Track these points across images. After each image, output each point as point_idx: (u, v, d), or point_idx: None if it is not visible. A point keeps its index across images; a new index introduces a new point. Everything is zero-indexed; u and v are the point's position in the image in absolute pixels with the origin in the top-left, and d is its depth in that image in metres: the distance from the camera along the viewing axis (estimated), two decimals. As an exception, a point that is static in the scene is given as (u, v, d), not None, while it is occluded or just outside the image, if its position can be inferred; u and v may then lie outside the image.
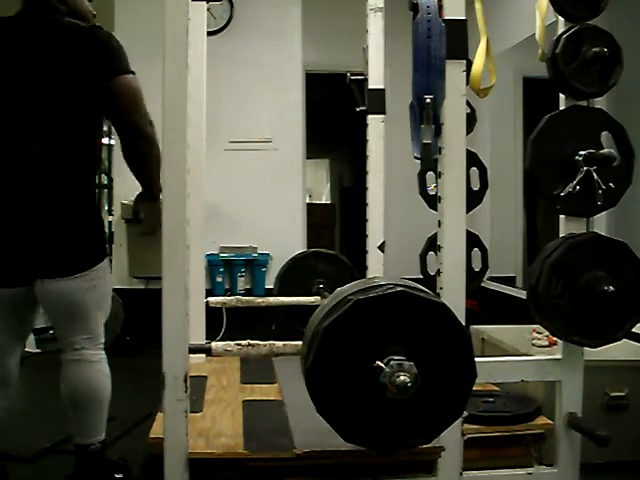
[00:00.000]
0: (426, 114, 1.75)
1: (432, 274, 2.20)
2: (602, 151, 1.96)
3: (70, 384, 2.12)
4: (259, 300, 3.30)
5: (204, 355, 2.52)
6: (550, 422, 2.25)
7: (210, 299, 3.16)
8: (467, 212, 1.89)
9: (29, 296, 2.11)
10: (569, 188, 1.97)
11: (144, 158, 2.11)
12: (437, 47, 1.74)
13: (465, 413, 1.73)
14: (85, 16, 2.19)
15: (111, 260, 5.08)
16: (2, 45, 2.08)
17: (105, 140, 5.22)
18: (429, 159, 1.80)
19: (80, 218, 2.11)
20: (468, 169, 2.38)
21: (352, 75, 3.05)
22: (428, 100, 1.74)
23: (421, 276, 2.73)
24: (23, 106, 2.06)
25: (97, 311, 2.14)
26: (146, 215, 2.21)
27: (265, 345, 1.96)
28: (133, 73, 2.13)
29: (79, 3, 2.19)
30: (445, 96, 1.80)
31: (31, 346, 4.35)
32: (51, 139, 2.06)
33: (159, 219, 1.77)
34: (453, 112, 1.83)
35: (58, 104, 2.07)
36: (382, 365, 1.43)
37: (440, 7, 1.79)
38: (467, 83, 2.01)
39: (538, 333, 3.04)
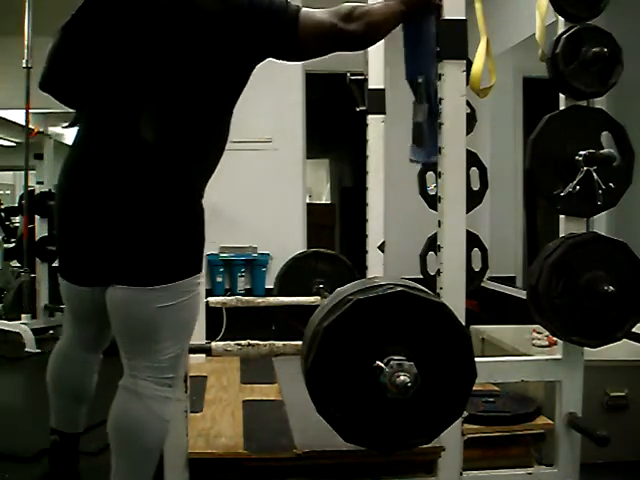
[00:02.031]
0: (419, 93, 1.73)
1: (432, 274, 2.20)
2: (602, 151, 1.96)
3: (111, 416, 1.67)
4: (259, 300, 3.30)
5: (204, 355, 2.52)
6: (550, 422, 2.26)
7: (210, 299, 3.16)
8: (467, 212, 1.90)
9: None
10: (569, 188, 1.97)
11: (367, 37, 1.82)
12: (428, 28, 1.74)
13: (465, 413, 1.73)
14: None
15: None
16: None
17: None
18: (420, 139, 1.78)
19: (172, 220, 1.68)
20: (468, 169, 2.38)
21: (352, 75, 3.05)
22: (420, 80, 1.73)
23: (421, 276, 2.73)
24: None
25: (170, 338, 1.67)
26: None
27: (265, 345, 1.96)
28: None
29: None
30: (438, 75, 1.79)
31: (31, 346, 4.35)
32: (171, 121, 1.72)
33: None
34: (453, 112, 1.83)
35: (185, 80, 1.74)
36: (382, 365, 1.43)
37: (440, 7, 1.79)
38: (467, 83, 2.01)
39: (538, 333, 3.04)
